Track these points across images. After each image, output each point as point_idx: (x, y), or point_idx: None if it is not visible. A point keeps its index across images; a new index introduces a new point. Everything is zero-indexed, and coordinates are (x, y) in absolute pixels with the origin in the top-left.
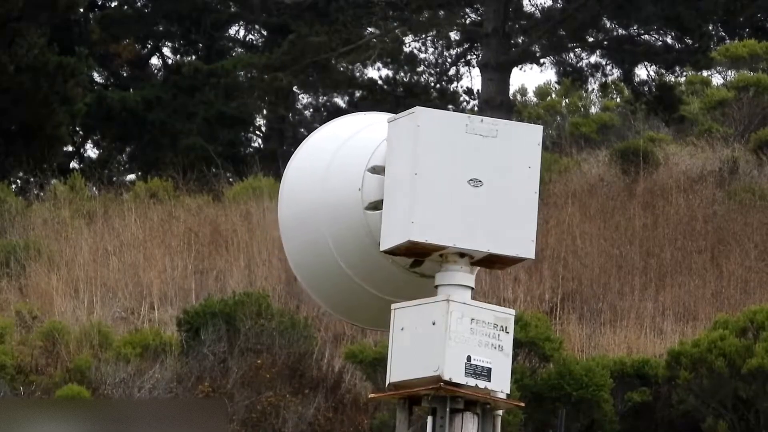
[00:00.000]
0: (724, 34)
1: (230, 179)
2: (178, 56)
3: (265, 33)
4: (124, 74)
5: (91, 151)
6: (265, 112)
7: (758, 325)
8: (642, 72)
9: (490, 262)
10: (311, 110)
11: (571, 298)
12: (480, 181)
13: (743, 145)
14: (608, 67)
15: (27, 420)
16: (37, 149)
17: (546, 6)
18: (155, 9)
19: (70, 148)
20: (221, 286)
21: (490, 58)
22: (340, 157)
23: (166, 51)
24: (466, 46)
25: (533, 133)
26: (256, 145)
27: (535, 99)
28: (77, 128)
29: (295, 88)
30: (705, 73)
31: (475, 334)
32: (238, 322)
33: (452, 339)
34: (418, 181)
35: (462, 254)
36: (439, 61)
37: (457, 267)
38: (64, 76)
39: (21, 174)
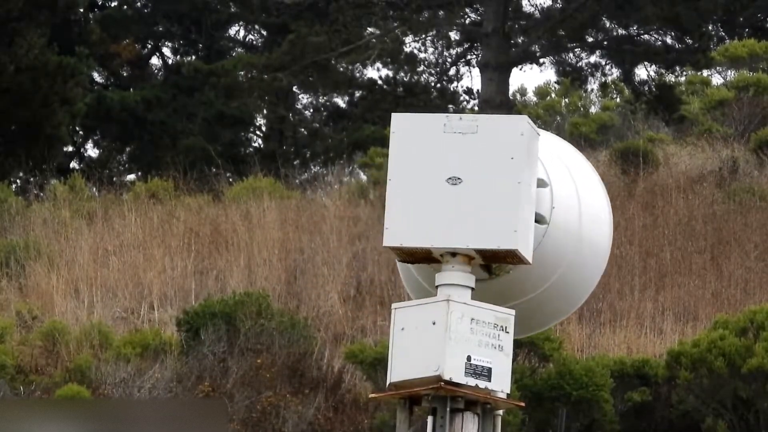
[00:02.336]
0: (723, 34)
1: (230, 179)
2: (178, 56)
3: (264, 33)
4: (124, 74)
5: (91, 151)
6: (265, 112)
7: (758, 325)
8: (642, 72)
9: (496, 258)
10: (311, 110)
11: None
12: (459, 179)
13: (743, 145)
14: (608, 67)
15: (27, 420)
16: (37, 149)
17: (546, 6)
18: (155, 9)
19: (70, 148)
20: (221, 286)
21: (490, 58)
22: None
23: (166, 51)
24: (466, 46)
25: (516, 124)
26: (256, 145)
27: (534, 99)
28: (77, 128)
29: (295, 88)
30: (705, 73)
31: (475, 334)
32: (238, 322)
33: (452, 339)
34: (391, 186)
35: (453, 254)
36: (439, 61)
37: (449, 266)
38: (64, 76)
39: (21, 174)
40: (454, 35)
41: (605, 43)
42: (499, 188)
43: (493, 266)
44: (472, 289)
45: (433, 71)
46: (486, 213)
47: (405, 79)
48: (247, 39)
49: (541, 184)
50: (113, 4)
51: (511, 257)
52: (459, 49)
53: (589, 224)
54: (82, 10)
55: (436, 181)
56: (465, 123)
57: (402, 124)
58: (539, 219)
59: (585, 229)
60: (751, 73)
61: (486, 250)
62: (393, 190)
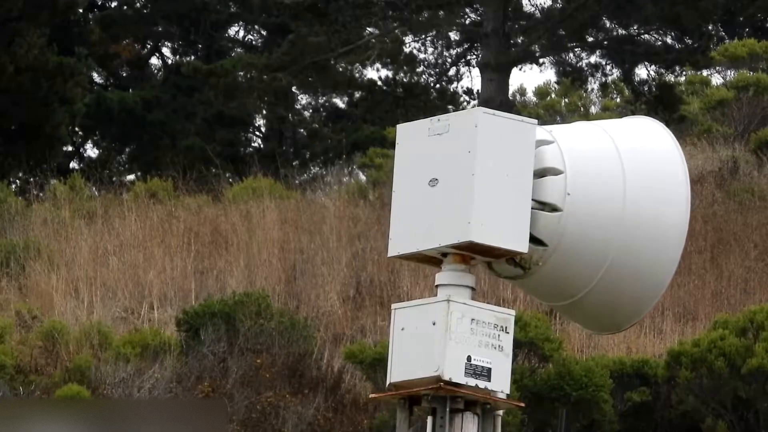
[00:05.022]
0: (723, 34)
1: (230, 179)
2: (178, 56)
3: (264, 33)
4: (124, 74)
5: (91, 151)
6: (264, 112)
7: (758, 325)
8: (642, 72)
9: (479, 253)
10: (311, 110)
11: None
12: (436, 180)
13: (743, 145)
14: (608, 67)
15: (27, 420)
16: (37, 149)
17: (546, 6)
18: (155, 9)
19: (70, 148)
20: (221, 286)
21: (490, 58)
22: None
23: (166, 51)
24: (466, 46)
25: (470, 117)
26: (255, 145)
27: (534, 99)
28: (77, 128)
29: (294, 88)
30: (705, 73)
31: (475, 335)
32: (238, 322)
33: (452, 339)
34: (394, 198)
35: (445, 254)
36: (439, 61)
37: (445, 267)
38: (64, 76)
39: (21, 174)
40: (454, 35)
41: (605, 43)
42: (457, 182)
43: (519, 260)
44: (473, 288)
45: (432, 72)
46: (449, 209)
47: (405, 79)
48: (246, 39)
49: (555, 172)
50: (113, 4)
51: (498, 251)
52: (459, 50)
53: (644, 207)
54: (81, 10)
55: (423, 185)
56: (441, 124)
57: (403, 134)
58: (555, 207)
59: (634, 211)
60: (751, 73)
61: (458, 245)
62: (395, 200)
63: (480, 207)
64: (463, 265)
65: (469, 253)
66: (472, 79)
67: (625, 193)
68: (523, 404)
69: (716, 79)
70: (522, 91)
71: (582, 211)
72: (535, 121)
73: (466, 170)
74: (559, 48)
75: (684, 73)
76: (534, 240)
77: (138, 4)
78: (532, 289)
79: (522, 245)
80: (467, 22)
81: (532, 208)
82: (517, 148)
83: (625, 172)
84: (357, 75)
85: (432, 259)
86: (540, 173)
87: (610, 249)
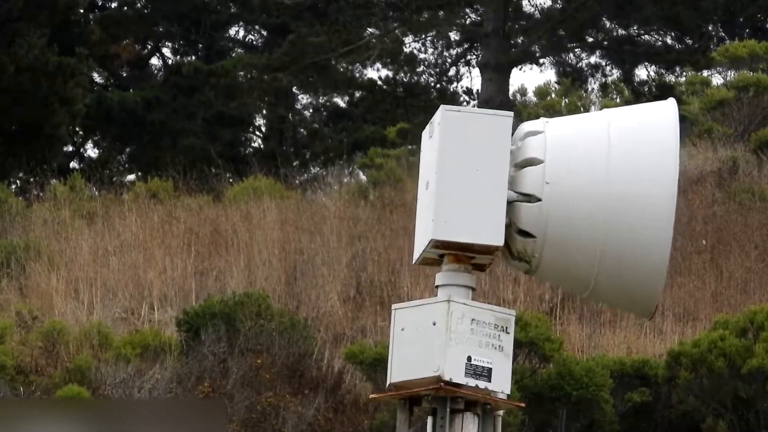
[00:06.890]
0: (724, 34)
1: (230, 179)
2: (178, 56)
3: (264, 33)
4: (124, 74)
5: (91, 151)
6: (265, 112)
7: (758, 325)
8: (642, 72)
9: (459, 250)
10: (311, 110)
11: (571, 298)
12: (428, 183)
13: (743, 145)
14: (608, 67)
15: (27, 420)
16: (37, 149)
17: (546, 6)
18: (155, 9)
19: (70, 148)
20: (221, 287)
21: (490, 58)
22: None
23: (166, 51)
24: (466, 46)
25: (436, 116)
26: (256, 145)
27: (534, 99)
28: (77, 128)
29: (294, 88)
30: (705, 73)
31: (475, 335)
32: (238, 322)
33: (453, 339)
34: (417, 206)
35: (442, 255)
36: (439, 61)
37: (443, 267)
38: (64, 77)
39: (21, 174)
40: (454, 35)
41: (605, 43)
42: (432, 183)
43: (517, 254)
44: (473, 289)
45: (433, 71)
46: (429, 210)
47: (405, 79)
48: (247, 39)
49: (536, 162)
50: (113, 4)
51: (473, 247)
52: (459, 50)
53: (628, 187)
54: (82, 10)
55: (422, 189)
56: (432, 126)
57: (422, 140)
58: (537, 198)
59: (619, 192)
60: (751, 73)
61: (430, 244)
62: (417, 208)
63: (443, 204)
64: (456, 264)
65: (460, 252)
66: (472, 79)
67: (609, 175)
68: (523, 404)
69: (716, 80)
70: (522, 91)
71: (563, 199)
72: (511, 113)
73: (433, 170)
74: (559, 48)
75: (684, 73)
76: (523, 233)
77: (138, 4)
78: (550, 281)
79: (497, 239)
80: (467, 22)
81: (516, 201)
82: (488, 141)
83: (611, 153)
84: (357, 75)
85: (438, 262)
86: (522, 164)
87: (600, 232)
